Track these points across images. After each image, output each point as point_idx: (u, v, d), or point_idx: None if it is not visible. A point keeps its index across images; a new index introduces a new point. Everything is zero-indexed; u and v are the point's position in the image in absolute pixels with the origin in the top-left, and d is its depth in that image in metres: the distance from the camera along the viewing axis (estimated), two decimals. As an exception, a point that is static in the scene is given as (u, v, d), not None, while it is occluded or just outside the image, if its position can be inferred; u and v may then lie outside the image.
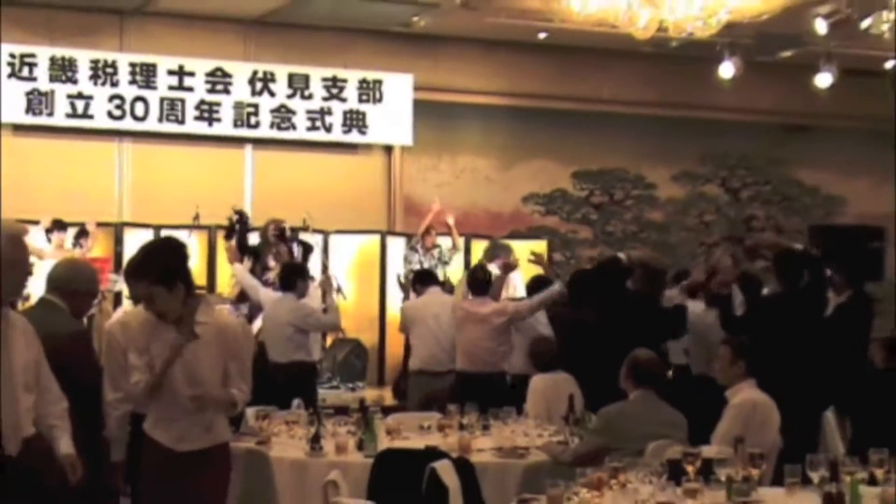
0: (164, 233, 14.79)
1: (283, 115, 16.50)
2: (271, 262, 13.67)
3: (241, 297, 12.97)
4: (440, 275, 14.36)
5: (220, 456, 6.23)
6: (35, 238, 13.99)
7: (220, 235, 15.00)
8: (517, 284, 14.27)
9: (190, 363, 6.05)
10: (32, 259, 13.31)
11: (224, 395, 6.15)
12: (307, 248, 14.37)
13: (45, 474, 5.75)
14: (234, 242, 14.14)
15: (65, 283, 6.74)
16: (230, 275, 13.95)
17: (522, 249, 15.79)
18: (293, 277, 11.14)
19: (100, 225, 14.88)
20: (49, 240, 14.07)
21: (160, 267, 6.08)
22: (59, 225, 14.23)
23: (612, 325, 9.60)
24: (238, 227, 14.38)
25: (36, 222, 14.39)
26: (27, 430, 5.60)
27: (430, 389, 11.00)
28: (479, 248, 16.31)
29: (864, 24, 14.35)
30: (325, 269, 14.86)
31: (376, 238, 16.35)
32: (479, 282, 10.99)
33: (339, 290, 13.80)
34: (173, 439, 6.09)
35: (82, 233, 14.32)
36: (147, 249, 6.34)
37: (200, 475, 6.10)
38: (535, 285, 11.63)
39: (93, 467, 6.48)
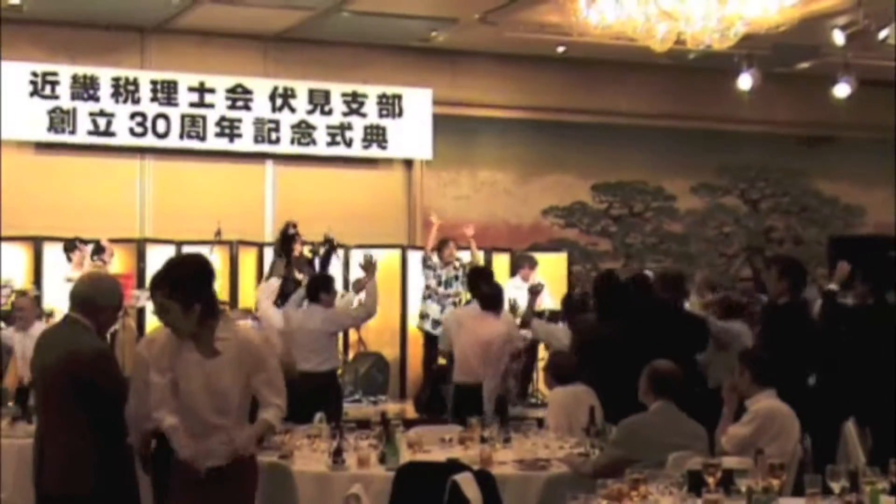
0: (185, 249, 14.89)
1: (303, 131, 16.58)
2: (298, 276, 13.75)
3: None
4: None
5: (246, 470, 6.19)
6: (57, 255, 14.12)
7: (244, 252, 15.05)
8: (544, 298, 14.39)
9: (212, 379, 6.02)
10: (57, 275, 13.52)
11: (255, 428, 6.14)
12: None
13: None
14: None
15: (86, 300, 6.75)
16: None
17: (542, 262, 15.90)
18: (317, 290, 11.31)
19: (122, 241, 14.97)
20: (70, 258, 14.10)
21: (179, 283, 6.01)
22: (79, 243, 14.25)
23: (639, 335, 9.62)
24: (290, 239, 14.38)
25: (58, 239, 14.50)
26: None
27: None
28: (499, 261, 16.36)
29: (882, 34, 14.39)
30: (346, 283, 14.93)
31: (397, 252, 16.39)
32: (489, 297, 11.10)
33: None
34: (201, 457, 6.04)
35: (98, 248, 14.33)
36: (172, 263, 6.32)
37: (227, 490, 6.07)
38: (569, 304, 11.87)
39: (114, 481, 6.52)
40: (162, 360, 6.11)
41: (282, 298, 12.15)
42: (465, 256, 15.51)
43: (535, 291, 11.92)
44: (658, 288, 10.32)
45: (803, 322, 9.63)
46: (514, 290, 15.21)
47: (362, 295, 11.94)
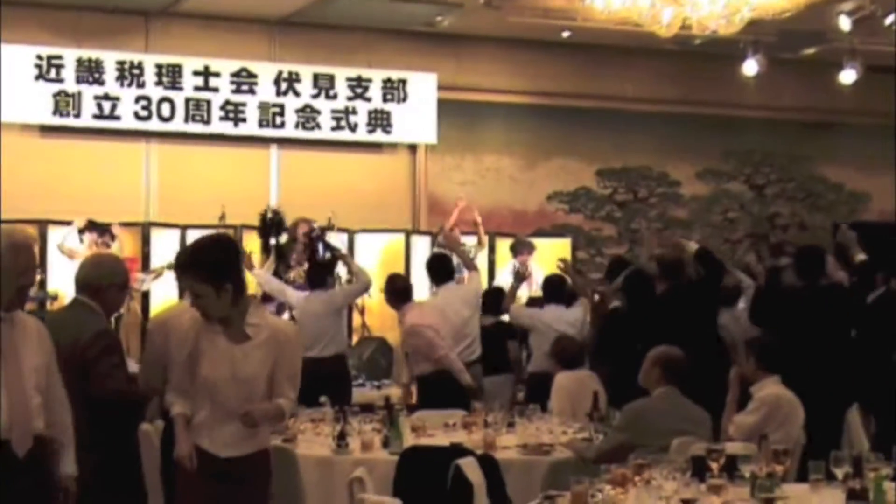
0: (190, 232, 14.90)
1: (307, 115, 16.57)
2: (293, 262, 13.74)
3: (265, 297, 13.04)
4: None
5: (262, 462, 6.15)
6: (67, 239, 14.12)
7: (249, 236, 15.07)
8: (538, 281, 14.40)
9: (239, 366, 5.96)
10: (64, 258, 13.57)
11: (273, 407, 6.03)
12: (332, 250, 14.29)
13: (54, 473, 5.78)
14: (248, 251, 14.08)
15: (90, 281, 6.77)
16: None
17: (547, 247, 15.90)
18: (322, 275, 11.32)
19: (126, 225, 14.98)
20: (82, 241, 14.13)
21: (208, 265, 5.93)
22: (92, 226, 14.26)
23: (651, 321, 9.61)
24: (271, 225, 14.41)
25: (62, 222, 14.50)
26: (37, 429, 5.63)
27: None
28: (503, 246, 16.35)
29: (888, 20, 14.36)
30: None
31: (401, 237, 16.40)
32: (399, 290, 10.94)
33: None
34: (218, 445, 6.00)
35: (107, 233, 14.31)
36: (197, 246, 6.21)
37: (242, 481, 6.03)
38: (550, 286, 11.85)
39: (115, 466, 6.53)
40: (186, 343, 6.04)
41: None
42: (469, 242, 15.49)
43: (521, 277, 11.87)
44: (659, 273, 10.30)
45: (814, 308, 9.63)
46: (511, 276, 15.23)
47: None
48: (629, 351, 9.13)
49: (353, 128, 16.77)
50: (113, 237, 14.22)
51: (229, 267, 6.02)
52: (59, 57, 15.44)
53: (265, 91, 16.36)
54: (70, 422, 5.83)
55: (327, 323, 11.14)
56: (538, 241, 15.87)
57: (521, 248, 15.35)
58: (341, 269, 13.20)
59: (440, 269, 11.46)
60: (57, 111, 15.42)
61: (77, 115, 15.51)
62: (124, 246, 14.46)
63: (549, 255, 15.91)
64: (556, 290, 11.85)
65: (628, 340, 9.53)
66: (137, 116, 15.75)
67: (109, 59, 15.65)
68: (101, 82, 15.59)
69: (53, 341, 6.54)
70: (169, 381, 6.97)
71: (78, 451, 6.26)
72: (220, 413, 5.99)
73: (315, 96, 16.61)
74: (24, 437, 5.48)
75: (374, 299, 14.87)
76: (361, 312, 14.83)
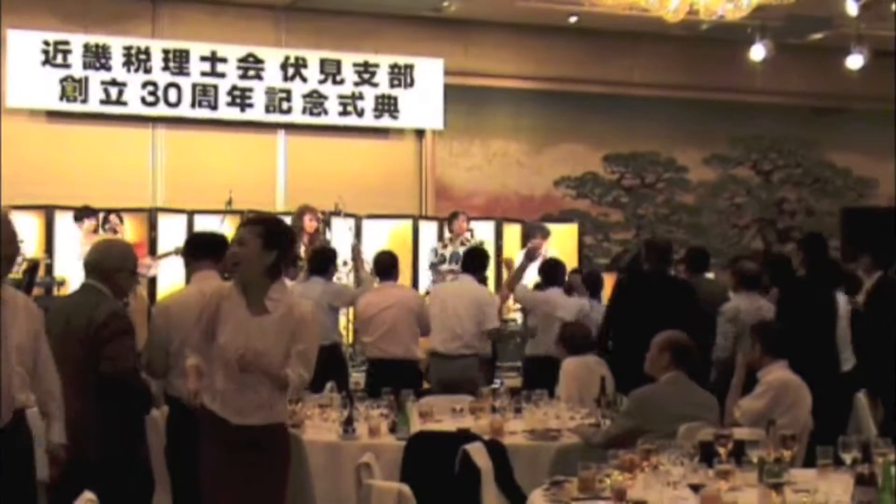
0: (197, 218, 14.90)
1: (315, 101, 16.57)
2: (302, 251, 13.65)
3: None
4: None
5: (277, 435, 6.23)
6: (69, 224, 14.13)
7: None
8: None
9: (254, 337, 6.06)
10: (70, 245, 13.52)
11: (275, 369, 6.09)
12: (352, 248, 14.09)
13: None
14: None
15: (98, 265, 6.82)
16: None
17: (554, 232, 15.87)
18: (324, 262, 11.27)
19: (133, 210, 14.99)
20: (80, 226, 14.12)
21: (271, 227, 6.22)
22: (89, 212, 14.24)
23: (630, 303, 9.62)
24: None
25: (69, 208, 14.51)
26: (19, 402, 5.74)
27: None
28: (510, 231, 16.35)
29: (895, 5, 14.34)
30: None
31: (408, 223, 16.38)
32: (386, 266, 10.94)
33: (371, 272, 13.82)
34: (231, 412, 6.07)
35: (106, 220, 14.29)
36: (268, 215, 6.63)
37: (260, 451, 6.11)
38: (547, 270, 11.88)
39: (123, 448, 6.55)
40: (208, 310, 6.18)
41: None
42: (476, 227, 15.47)
43: (531, 256, 11.83)
44: (645, 256, 10.29)
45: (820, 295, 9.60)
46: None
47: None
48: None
49: (360, 113, 16.78)
50: (121, 219, 14.21)
51: (285, 242, 6.28)
52: (67, 42, 15.45)
53: (272, 76, 16.37)
54: (58, 392, 5.97)
55: (323, 315, 11.02)
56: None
57: (534, 232, 15.33)
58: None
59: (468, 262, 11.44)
60: (64, 97, 15.44)
61: (84, 101, 15.52)
62: (125, 231, 14.43)
63: (557, 240, 15.91)
64: (553, 273, 11.90)
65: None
66: (144, 102, 15.77)
67: (116, 44, 15.67)
68: (108, 68, 15.61)
69: (65, 323, 6.61)
70: (171, 365, 7.05)
71: (88, 437, 6.31)
72: (235, 381, 6.07)
73: (322, 82, 16.61)
74: (6, 410, 5.66)
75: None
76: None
